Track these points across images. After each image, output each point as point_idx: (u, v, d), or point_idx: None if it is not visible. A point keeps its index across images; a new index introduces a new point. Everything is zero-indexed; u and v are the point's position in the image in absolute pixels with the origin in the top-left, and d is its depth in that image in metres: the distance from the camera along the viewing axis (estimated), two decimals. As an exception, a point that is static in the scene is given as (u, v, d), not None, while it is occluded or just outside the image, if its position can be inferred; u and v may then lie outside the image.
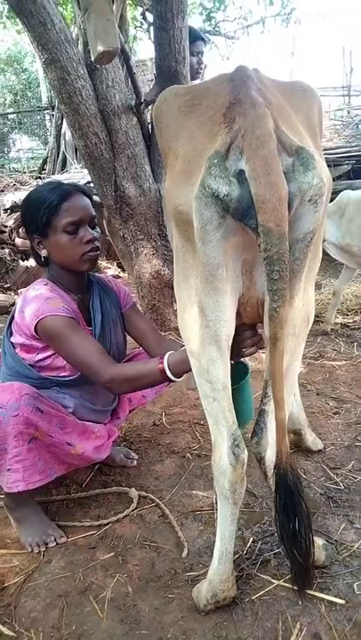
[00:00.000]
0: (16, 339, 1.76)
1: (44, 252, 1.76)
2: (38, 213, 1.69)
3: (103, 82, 3.15)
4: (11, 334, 1.80)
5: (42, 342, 1.70)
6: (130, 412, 2.15)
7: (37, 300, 1.67)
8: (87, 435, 1.82)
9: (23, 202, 1.78)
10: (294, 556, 1.27)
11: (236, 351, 1.41)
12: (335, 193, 4.47)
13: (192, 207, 1.15)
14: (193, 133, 1.20)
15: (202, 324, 1.27)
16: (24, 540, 1.71)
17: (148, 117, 3.42)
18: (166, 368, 1.59)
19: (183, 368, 1.59)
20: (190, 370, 1.59)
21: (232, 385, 1.34)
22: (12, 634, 1.39)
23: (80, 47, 3.24)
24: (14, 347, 1.78)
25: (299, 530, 1.25)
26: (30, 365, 1.76)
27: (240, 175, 1.08)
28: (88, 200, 1.77)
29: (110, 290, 1.96)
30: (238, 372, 1.58)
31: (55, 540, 1.72)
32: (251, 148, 1.05)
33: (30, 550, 1.69)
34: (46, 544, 1.71)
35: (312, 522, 1.66)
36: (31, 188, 7.19)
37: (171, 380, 1.62)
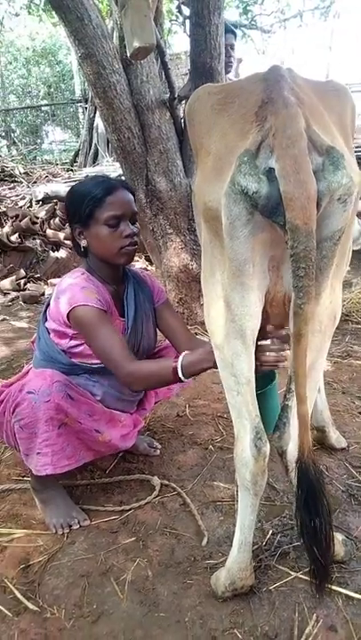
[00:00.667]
0: (50, 324, 1.81)
1: (83, 243, 1.80)
2: (82, 204, 1.73)
3: (138, 77, 3.18)
4: (45, 320, 1.85)
5: (74, 330, 1.75)
6: (155, 403, 2.19)
7: (72, 289, 1.72)
8: (114, 423, 1.87)
9: (68, 192, 1.83)
10: (314, 551, 1.29)
11: (257, 361, 1.41)
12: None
13: (221, 203, 1.18)
14: (225, 131, 1.23)
15: (227, 318, 1.30)
16: (49, 522, 1.77)
17: (182, 112, 3.44)
18: (179, 368, 1.62)
19: (194, 369, 1.62)
20: (201, 371, 1.64)
21: (257, 390, 1.36)
22: (35, 608, 1.45)
23: (116, 42, 3.28)
24: (48, 332, 1.83)
25: (319, 525, 1.27)
26: (62, 351, 1.81)
27: (270, 173, 1.10)
28: (131, 196, 1.81)
29: (145, 284, 2.00)
30: (265, 378, 1.59)
31: (79, 522, 1.78)
32: (281, 147, 1.07)
33: (55, 532, 1.75)
34: (70, 526, 1.76)
35: (333, 518, 1.69)
36: (63, 181, 7.27)
37: (181, 381, 1.64)
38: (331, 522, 1.31)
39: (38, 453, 1.67)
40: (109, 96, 3.09)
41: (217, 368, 1.45)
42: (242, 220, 1.15)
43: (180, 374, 1.61)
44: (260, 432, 1.33)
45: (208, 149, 1.29)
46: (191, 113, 1.46)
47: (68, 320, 1.72)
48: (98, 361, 1.80)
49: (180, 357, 1.63)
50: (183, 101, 3.31)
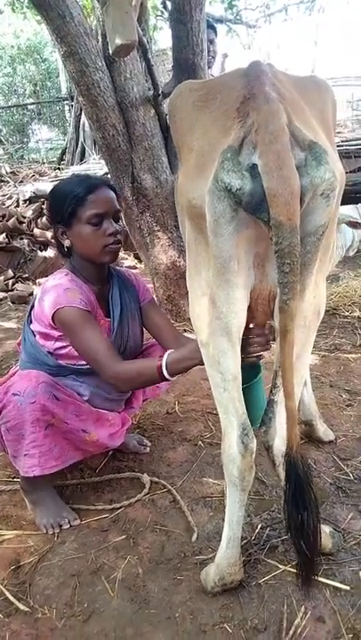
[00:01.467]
0: (35, 326, 1.81)
1: (67, 243, 1.80)
2: (64, 204, 1.72)
3: (121, 74, 3.17)
4: (30, 322, 1.85)
5: (59, 331, 1.75)
6: (143, 401, 2.19)
7: (56, 290, 1.72)
8: (102, 422, 1.87)
9: (50, 192, 1.82)
10: (301, 545, 1.29)
11: (244, 352, 1.42)
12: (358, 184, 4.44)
13: (205, 201, 1.18)
14: (207, 128, 1.23)
15: (213, 315, 1.31)
16: (39, 522, 1.77)
17: (166, 109, 3.43)
18: (163, 367, 1.61)
19: (179, 367, 1.62)
20: (185, 370, 1.65)
21: (243, 383, 1.37)
22: (26, 609, 1.44)
23: (99, 40, 3.27)
24: (34, 334, 1.83)
25: (307, 520, 1.27)
26: (49, 353, 1.80)
27: (253, 169, 1.10)
28: (114, 194, 1.80)
29: (130, 283, 2.00)
30: (251, 372, 1.60)
31: (69, 522, 1.77)
32: (264, 143, 1.07)
33: (45, 532, 1.74)
34: (60, 526, 1.76)
35: (320, 511, 1.70)
36: (50, 180, 7.23)
37: (166, 379, 1.64)
38: (318, 516, 1.31)
39: (26, 455, 1.67)
40: (93, 94, 3.08)
41: (203, 365, 1.45)
42: (226, 217, 1.15)
43: (165, 373, 1.61)
44: (247, 428, 1.33)
45: (190, 146, 1.29)
46: (173, 110, 1.46)
47: (53, 322, 1.71)
48: (80, 361, 1.80)
49: (165, 356, 1.63)
50: (167, 98, 3.30)
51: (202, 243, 1.30)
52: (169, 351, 1.66)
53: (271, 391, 1.39)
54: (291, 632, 1.33)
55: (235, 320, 1.29)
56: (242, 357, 1.37)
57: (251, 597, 1.45)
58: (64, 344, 1.77)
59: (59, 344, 1.78)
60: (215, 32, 3.96)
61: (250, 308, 1.34)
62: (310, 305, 1.32)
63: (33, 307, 1.84)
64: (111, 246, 1.76)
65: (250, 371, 1.57)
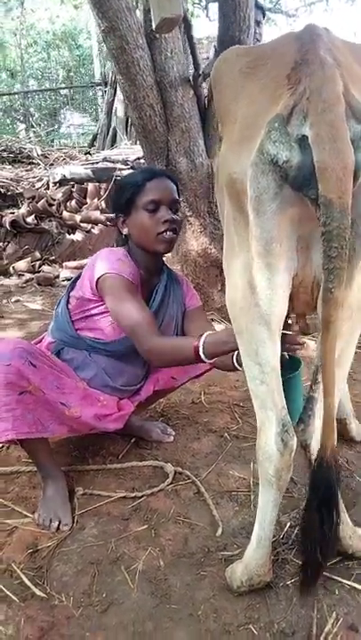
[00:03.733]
0: (76, 292, 1.85)
1: (125, 231, 1.83)
2: (124, 191, 1.77)
3: (162, 52, 3.09)
4: (72, 288, 1.88)
5: (96, 299, 1.77)
6: (156, 391, 2.08)
7: (110, 258, 1.76)
8: (90, 400, 1.81)
9: (114, 184, 1.90)
10: (315, 553, 1.19)
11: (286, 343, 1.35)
12: None
13: (248, 175, 1.09)
14: (254, 96, 1.14)
15: (252, 302, 1.21)
16: (36, 511, 1.71)
17: (205, 91, 3.34)
18: (200, 347, 1.56)
19: (217, 350, 1.56)
20: (224, 353, 1.58)
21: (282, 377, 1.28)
22: (43, 595, 1.40)
23: (140, 16, 3.18)
24: (69, 301, 1.87)
25: (328, 531, 1.18)
26: (71, 322, 1.84)
27: (302, 141, 1.01)
28: (173, 185, 1.83)
29: (179, 286, 1.99)
30: (289, 365, 1.51)
31: (58, 525, 1.65)
32: (316, 112, 0.98)
33: (37, 524, 1.67)
34: (51, 523, 1.66)
35: (353, 513, 1.62)
36: (80, 163, 7.22)
37: (203, 361, 1.58)
38: (339, 528, 1.23)
39: None
40: (132, 72, 3.00)
41: None
42: (270, 193, 1.06)
43: (202, 354, 1.55)
44: (287, 425, 1.24)
45: (235, 116, 1.20)
46: (217, 76, 1.36)
47: (97, 285, 1.73)
48: (104, 337, 1.82)
49: (203, 337, 1.57)
50: (207, 79, 3.21)
51: (241, 223, 1.21)
52: (207, 332, 1.60)
53: (311, 387, 1.30)
54: (321, 639, 1.25)
55: (275, 308, 1.20)
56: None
57: (278, 599, 1.37)
58: (95, 312, 1.79)
59: (89, 312, 1.80)
60: (263, 13, 3.84)
61: (290, 297, 1.25)
62: (357, 295, 1.22)
63: (79, 276, 1.87)
64: (165, 234, 1.76)
65: (288, 363, 1.48)
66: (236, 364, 1.63)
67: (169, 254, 1.92)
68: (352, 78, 1.05)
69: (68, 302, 1.88)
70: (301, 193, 1.05)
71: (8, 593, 1.40)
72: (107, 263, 1.73)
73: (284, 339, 1.35)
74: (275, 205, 1.08)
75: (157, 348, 1.64)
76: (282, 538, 1.57)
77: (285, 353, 1.44)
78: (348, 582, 1.40)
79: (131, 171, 6.03)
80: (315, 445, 1.31)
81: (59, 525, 1.65)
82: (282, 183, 1.06)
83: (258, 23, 3.59)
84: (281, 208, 1.09)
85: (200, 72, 3.16)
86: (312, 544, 1.19)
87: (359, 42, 1.30)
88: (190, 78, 3.17)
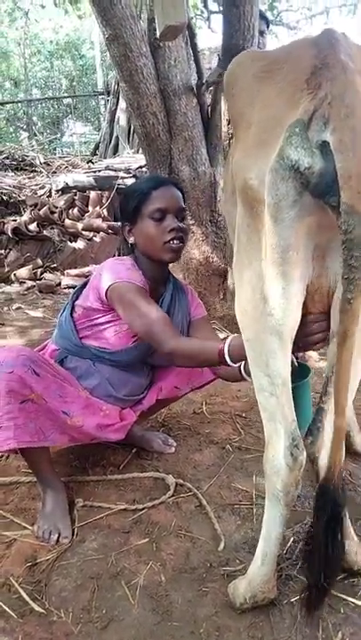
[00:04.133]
0: (81, 301, 1.83)
1: (131, 240, 1.81)
2: (130, 200, 1.76)
3: (165, 61, 3.09)
4: (77, 297, 1.87)
5: (104, 308, 1.75)
6: (158, 401, 2.05)
7: (117, 267, 1.74)
8: (92, 410, 1.78)
9: (121, 193, 1.87)
10: (319, 576, 1.16)
11: (302, 343, 1.31)
12: None
13: (266, 181, 1.06)
14: (271, 100, 1.11)
15: (264, 311, 1.18)
16: (36, 523, 1.67)
17: (208, 99, 3.34)
18: (226, 350, 1.53)
19: (242, 353, 1.50)
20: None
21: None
22: (41, 610, 1.36)
23: (144, 24, 3.18)
24: (73, 309, 1.85)
25: (333, 553, 1.16)
26: (76, 330, 1.82)
27: (323, 147, 0.98)
28: (180, 193, 1.81)
29: (185, 295, 1.98)
30: (299, 372, 1.49)
31: (58, 538, 1.62)
32: (339, 117, 0.95)
33: (36, 537, 1.63)
34: (50, 535, 1.62)
35: (356, 528, 1.59)
36: (83, 171, 7.23)
37: (227, 364, 1.56)
38: (344, 549, 1.22)
39: (0, 428, 1.57)
40: (135, 80, 3.00)
41: None
42: (289, 200, 1.04)
43: (227, 357, 1.53)
44: (297, 439, 1.20)
45: (250, 121, 1.17)
46: (231, 81, 1.34)
47: (106, 296, 1.70)
48: (109, 347, 1.80)
49: (228, 339, 1.55)
50: (211, 87, 3.21)
51: (256, 229, 1.18)
52: (232, 335, 1.58)
53: (321, 398, 1.26)
54: (327, 660, 1.21)
55: (288, 318, 1.16)
56: (297, 349, 1.26)
57: (282, 617, 1.33)
58: (101, 321, 1.78)
59: (96, 321, 1.79)
60: (267, 24, 3.84)
61: (304, 305, 1.22)
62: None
63: (85, 285, 1.85)
64: (172, 243, 1.74)
65: (297, 370, 1.45)
66: (244, 374, 1.61)
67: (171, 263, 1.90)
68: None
69: (72, 311, 1.85)
70: (322, 200, 1.02)
71: (6, 608, 1.36)
72: (115, 272, 1.72)
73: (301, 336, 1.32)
74: (293, 213, 1.06)
75: (180, 349, 1.60)
76: (285, 553, 1.53)
77: (294, 360, 1.41)
78: (354, 600, 1.36)
79: (133, 179, 6.04)
80: (323, 459, 1.28)
81: (58, 538, 1.61)
82: (302, 190, 1.03)
83: (262, 33, 3.57)
84: (300, 215, 1.06)
85: (203, 81, 3.15)
86: (317, 567, 1.16)
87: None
88: (194, 87, 3.17)
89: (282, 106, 1.06)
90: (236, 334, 1.57)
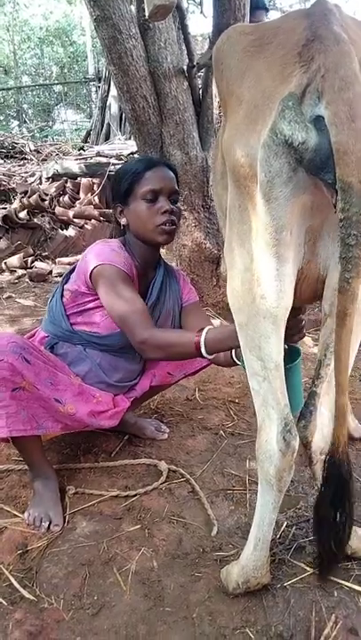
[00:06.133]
0: (70, 285, 1.80)
1: (123, 221, 1.78)
2: (122, 181, 1.72)
3: (155, 42, 3.01)
4: (66, 281, 1.84)
5: (91, 292, 1.73)
6: (151, 387, 2.03)
7: (103, 249, 1.72)
8: (85, 397, 1.76)
9: (113, 173, 1.82)
10: (330, 545, 1.19)
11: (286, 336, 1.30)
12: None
13: (258, 157, 1.03)
14: (261, 75, 1.07)
15: (257, 294, 1.16)
16: (26, 511, 1.65)
17: (200, 82, 3.28)
18: (202, 342, 1.50)
19: (220, 347, 1.51)
20: (226, 349, 1.55)
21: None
22: (32, 598, 1.35)
23: (133, 6, 3.11)
24: (63, 294, 1.83)
25: (343, 521, 1.17)
26: (66, 315, 1.79)
27: (317, 122, 0.95)
28: (172, 174, 1.77)
29: (176, 281, 1.94)
30: (288, 354, 1.47)
31: (49, 526, 1.60)
32: (333, 90, 0.92)
33: (26, 525, 1.61)
34: (41, 523, 1.61)
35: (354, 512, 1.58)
36: (74, 158, 7.16)
37: (202, 357, 1.53)
38: (352, 517, 1.22)
39: None
40: (125, 62, 2.93)
41: None
42: (283, 177, 1.01)
43: (204, 350, 1.50)
44: (290, 424, 1.19)
45: (240, 97, 1.13)
46: (220, 56, 1.29)
47: (91, 278, 1.68)
48: (100, 331, 1.77)
49: (204, 332, 1.51)
50: (202, 70, 3.15)
51: (248, 209, 1.15)
52: (208, 327, 1.55)
53: (314, 382, 1.25)
54: (320, 643, 1.21)
55: (282, 301, 1.14)
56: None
57: (275, 601, 1.33)
58: (89, 306, 1.75)
59: (83, 307, 1.76)
60: (267, 12, 3.77)
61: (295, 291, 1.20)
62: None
63: (74, 269, 1.82)
64: (164, 226, 1.70)
65: (287, 353, 1.43)
66: (235, 359, 1.58)
67: (163, 249, 1.87)
68: (366, 57, 1.00)
69: (62, 296, 1.82)
70: (317, 177, 0.99)
71: (-5, 595, 1.35)
72: (100, 254, 1.69)
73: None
74: (288, 190, 1.03)
75: (153, 340, 1.57)
76: (278, 538, 1.53)
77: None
78: (348, 584, 1.36)
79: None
80: (317, 442, 1.27)
81: (49, 525, 1.60)
82: (296, 166, 1.00)
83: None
84: (294, 194, 1.04)
85: (194, 63, 3.09)
86: (327, 537, 1.19)
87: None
88: (184, 69, 3.11)
89: (273, 80, 1.03)
90: (210, 327, 1.56)
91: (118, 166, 6.12)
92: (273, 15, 9.51)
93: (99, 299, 1.72)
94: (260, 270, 1.14)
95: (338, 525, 1.17)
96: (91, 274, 1.67)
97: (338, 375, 1.07)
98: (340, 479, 1.13)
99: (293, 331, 1.46)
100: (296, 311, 1.35)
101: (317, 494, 1.25)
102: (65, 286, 1.83)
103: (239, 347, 1.38)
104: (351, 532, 1.25)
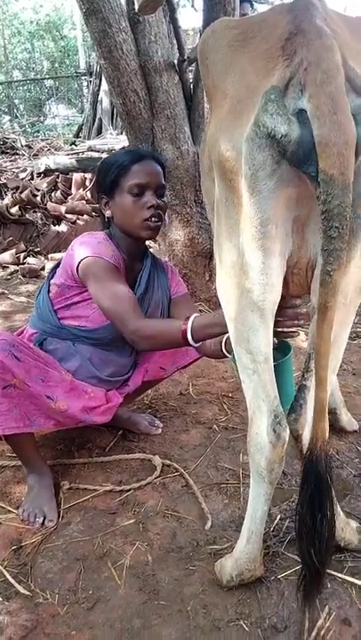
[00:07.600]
0: (56, 279, 1.79)
1: (108, 213, 1.77)
2: (109, 173, 1.70)
3: (146, 36, 2.99)
4: (52, 276, 1.83)
5: (78, 285, 1.71)
6: (144, 382, 2.03)
7: (90, 241, 1.70)
8: (77, 393, 1.75)
9: (99, 164, 1.79)
10: (310, 555, 1.12)
11: (279, 327, 1.31)
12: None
13: (242, 151, 1.03)
14: (245, 69, 1.07)
15: (245, 287, 1.16)
16: (21, 506, 1.66)
17: (191, 76, 3.27)
18: (189, 330, 1.50)
19: (206, 332, 1.51)
20: (213, 336, 1.54)
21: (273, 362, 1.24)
22: (27, 592, 1.35)
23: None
24: (49, 289, 1.81)
25: (321, 526, 1.11)
26: (54, 311, 1.78)
27: (300, 115, 0.95)
28: (160, 168, 1.76)
29: (164, 273, 1.94)
30: (280, 350, 1.48)
31: (43, 521, 1.60)
32: (315, 84, 0.92)
33: (21, 520, 1.62)
34: (36, 518, 1.61)
35: (344, 505, 1.59)
36: (65, 153, 7.12)
37: (189, 344, 1.53)
38: (335, 524, 1.17)
39: None
40: (115, 56, 2.91)
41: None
42: (266, 170, 1.01)
43: (190, 338, 1.50)
44: (280, 416, 1.20)
45: (224, 91, 1.13)
46: (205, 51, 1.29)
47: (77, 272, 1.67)
48: (89, 324, 1.76)
49: (191, 319, 1.51)
50: (193, 64, 3.13)
51: (234, 203, 1.15)
52: (195, 314, 1.55)
53: (303, 375, 1.25)
54: (313, 634, 1.22)
55: (269, 294, 1.14)
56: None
57: (270, 593, 1.34)
58: (76, 300, 1.74)
59: (71, 300, 1.75)
60: (252, 6, 3.76)
61: (284, 280, 1.20)
62: (353, 279, 1.17)
63: (59, 264, 1.81)
64: (150, 221, 1.70)
65: (278, 348, 1.44)
66: (224, 351, 1.58)
67: (155, 245, 1.86)
68: (349, 50, 1.00)
69: (48, 291, 1.81)
70: (300, 170, 0.99)
71: (-10, 591, 1.35)
72: (86, 247, 1.67)
73: (278, 323, 1.31)
74: (272, 183, 1.03)
75: (143, 330, 1.57)
76: (272, 530, 1.54)
77: (274, 338, 1.39)
78: (341, 575, 1.37)
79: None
80: (307, 436, 1.27)
81: (44, 521, 1.60)
82: (280, 159, 1.00)
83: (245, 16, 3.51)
84: (278, 186, 1.04)
85: (185, 57, 3.08)
86: (305, 544, 1.12)
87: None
88: (175, 63, 3.09)
89: (257, 74, 1.03)
90: (197, 314, 1.56)
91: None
92: (262, 9, 9.49)
93: (86, 292, 1.71)
94: (246, 263, 1.14)
95: (317, 530, 1.11)
96: (77, 267, 1.66)
97: (318, 369, 1.07)
98: (319, 478, 1.11)
99: (287, 322, 1.40)
100: (291, 301, 1.35)
101: (297, 498, 1.19)
102: (51, 281, 1.81)
103: (226, 333, 1.38)
104: (332, 538, 1.18)
